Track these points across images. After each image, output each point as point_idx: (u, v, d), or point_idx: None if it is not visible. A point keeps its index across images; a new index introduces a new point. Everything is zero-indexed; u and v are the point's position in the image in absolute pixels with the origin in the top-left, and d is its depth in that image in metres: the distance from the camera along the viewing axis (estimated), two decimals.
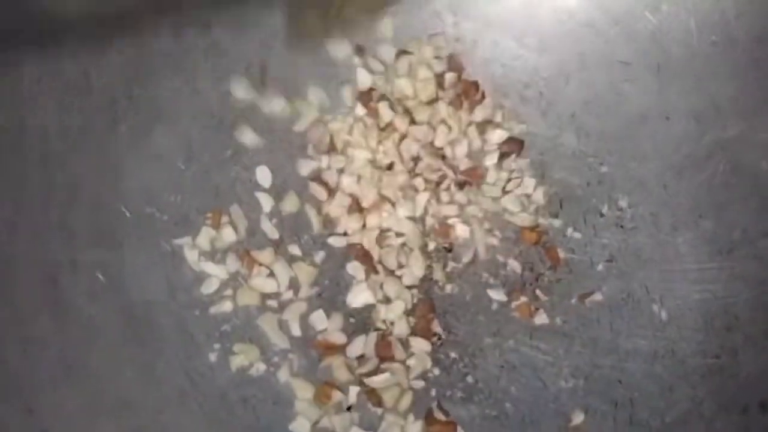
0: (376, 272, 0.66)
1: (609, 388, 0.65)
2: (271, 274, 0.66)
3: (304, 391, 0.65)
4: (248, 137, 0.67)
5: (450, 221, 0.67)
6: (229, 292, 0.66)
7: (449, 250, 0.67)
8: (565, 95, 0.68)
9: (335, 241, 0.67)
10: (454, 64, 0.68)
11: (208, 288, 0.66)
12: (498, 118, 0.67)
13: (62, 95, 0.66)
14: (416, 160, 0.67)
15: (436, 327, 0.66)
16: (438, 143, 0.67)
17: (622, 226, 0.67)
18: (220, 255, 0.67)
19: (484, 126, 0.68)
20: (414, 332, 0.66)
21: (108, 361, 0.65)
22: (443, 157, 0.67)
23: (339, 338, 0.66)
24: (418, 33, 0.68)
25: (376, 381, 0.64)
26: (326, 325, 0.66)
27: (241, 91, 0.67)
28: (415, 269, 0.66)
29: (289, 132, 0.68)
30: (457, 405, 0.66)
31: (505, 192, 0.67)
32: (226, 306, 0.66)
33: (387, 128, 0.67)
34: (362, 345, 0.65)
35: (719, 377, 0.65)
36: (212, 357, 0.66)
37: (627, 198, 0.67)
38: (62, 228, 0.66)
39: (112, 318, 0.65)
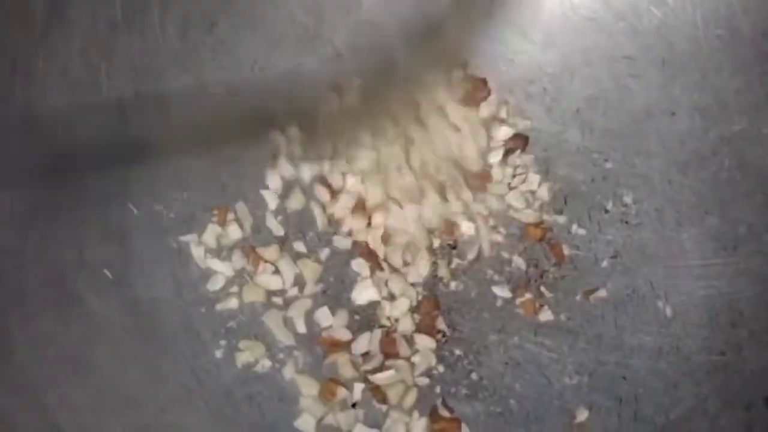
0: (381, 269, 0.66)
1: (613, 384, 0.65)
2: (277, 271, 0.67)
3: (309, 388, 0.65)
4: None
5: (455, 219, 0.67)
6: (234, 289, 0.67)
7: (454, 247, 0.67)
8: (570, 91, 0.68)
9: (339, 242, 0.67)
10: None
11: (214, 285, 0.67)
12: (503, 114, 0.67)
13: (70, 94, 0.67)
14: (424, 163, 0.67)
15: (441, 324, 0.66)
16: (448, 148, 0.67)
17: (626, 222, 0.67)
18: (226, 252, 0.67)
19: (489, 123, 0.68)
20: (419, 329, 0.66)
21: (114, 358, 0.65)
22: (454, 162, 0.67)
23: (344, 335, 0.66)
24: (423, 29, 0.68)
25: (380, 378, 0.64)
26: (331, 322, 0.66)
27: None
28: (420, 267, 0.66)
29: None
30: (462, 402, 0.66)
31: (510, 188, 0.67)
32: (232, 303, 0.66)
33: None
34: (367, 342, 0.66)
35: (724, 374, 0.65)
36: (218, 354, 0.66)
37: (632, 194, 0.67)
38: (70, 225, 0.66)
39: (118, 314, 0.65)
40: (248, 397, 0.66)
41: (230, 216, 0.67)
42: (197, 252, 0.67)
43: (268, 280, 0.67)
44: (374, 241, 0.67)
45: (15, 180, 0.66)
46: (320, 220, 0.67)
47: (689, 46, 0.66)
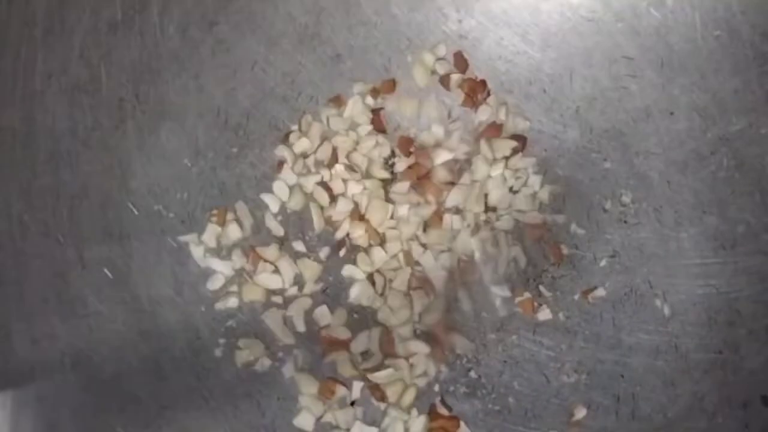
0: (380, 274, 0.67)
1: (611, 383, 0.65)
2: (276, 271, 0.67)
3: (308, 386, 0.66)
4: None
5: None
6: (234, 288, 0.67)
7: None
8: (569, 91, 0.68)
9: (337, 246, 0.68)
10: (458, 61, 0.68)
11: (214, 284, 0.67)
12: (502, 116, 0.68)
13: (71, 94, 0.67)
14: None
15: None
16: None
17: (625, 222, 0.67)
18: (226, 251, 0.67)
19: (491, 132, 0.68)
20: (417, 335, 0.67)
21: (114, 356, 0.65)
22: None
23: (343, 334, 0.66)
24: (422, 30, 0.68)
25: (379, 376, 0.64)
26: (330, 321, 0.66)
27: None
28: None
29: None
30: (461, 400, 0.66)
31: (512, 191, 0.67)
32: (232, 302, 0.67)
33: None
34: (366, 341, 0.66)
35: (722, 372, 0.65)
36: (218, 352, 0.66)
37: (631, 193, 0.67)
38: (71, 224, 0.66)
39: (118, 313, 0.66)
40: (248, 395, 0.66)
41: (230, 216, 0.68)
42: (197, 251, 0.67)
43: (267, 279, 0.67)
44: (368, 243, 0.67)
45: (15, 179, 0.66)
46: (317, 222, 0.67)
47: (688, 46, 0.66)
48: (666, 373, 0.65)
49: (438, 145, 0.68)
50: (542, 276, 0.67)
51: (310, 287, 0.67)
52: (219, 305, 0.67)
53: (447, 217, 0.67)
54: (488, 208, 0.67)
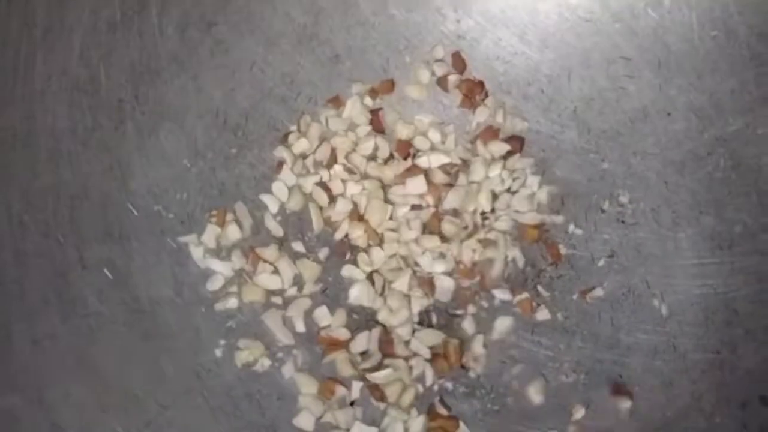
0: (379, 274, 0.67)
1: (610, 382, 0.66)
2: (276, 271, 0.67)
3: (308, 387, 0.66)
4: None
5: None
6: (234, 288, 0.67)
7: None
8: (567, 92, 0.68)
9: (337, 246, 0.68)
10: (456, 62, 0.68)
11: (214, 285, 0.67)
12: (499, 117, 0.68)
13: (71, 95, 0.67)
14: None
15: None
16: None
17: (623, 222, 0.67)
18: (225, 252, 0.68)
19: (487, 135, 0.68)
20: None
21: (114, 357, 0.65)
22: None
23: (342, 334, 0.66)
24: (420, 30, 0.69)
25: (379, 376, 0.64)
26: (330, 321, 0.66)
27: None
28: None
29: None
30: (460, 400, 0.66)
31: (510, 192, 0.68)
32: (231, 302, 0.67)
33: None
34: (365, 341, 0.66)
35: (719, 372, 0.65)
36: (218, 353, 0.66)
37: (628, 194, 0.67)
38: (71, 225, 0.66)
39: (119, 314, 0.66)
40: (248, 396, 0.66)
41: (229, 216, 0.68)
42: (196, 252, 0.67)
43: (267, 279, 0.67)
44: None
45: (15, 180, 0.66)
46: (317, 223, 0.68)
47: (685, 47, 0.66)
48: (664, 373, 0.65)
49: (435, 147, 0.68)
50: (540, 276, 0.67)
51: (309, 288, 0.67)
52: (219, 306, 0.67)
53: (445, 219, 0.67)
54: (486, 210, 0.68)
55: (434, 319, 0.67)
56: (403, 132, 0.68)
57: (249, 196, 0.68)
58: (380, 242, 0.67)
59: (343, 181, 0.68)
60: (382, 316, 0.66)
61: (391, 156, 0.68)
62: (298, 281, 0.67)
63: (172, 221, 0.67)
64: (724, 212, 0.66)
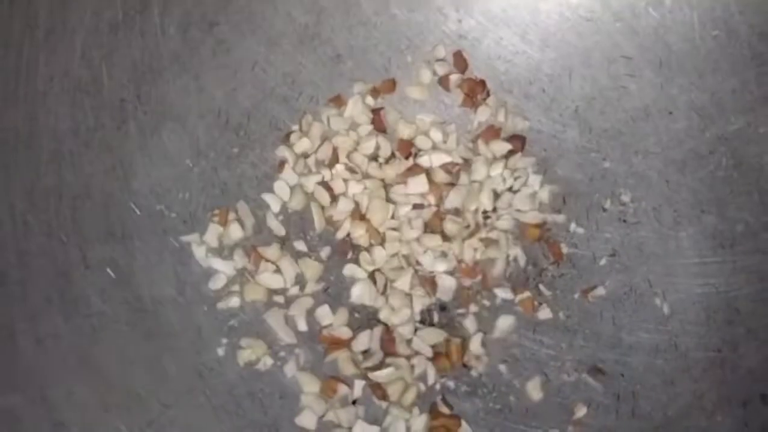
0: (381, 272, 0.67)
1: (611, 381, 0.66)
2: (278, 270, 0.67)
3: (310, 385, 0.66)
4: None
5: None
6: (236, 287, 0.67)
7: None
8: (568, 91, 0.68)
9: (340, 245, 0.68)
10: (458, 61, 0.68)
11: (216, 284, 0.67)
12: (501, 116, 0.68)
13: (73, 95, 0.67)
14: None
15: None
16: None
17: (624, 221, 0.67)
18: (228, 251, 0.68)
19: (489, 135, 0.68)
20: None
21: (117, 356, 0.65)
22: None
23: (344, 333, 0.66)
24: (421, 30, 0.69)
25: (381, 375, 0.64)
26: (332, 320, 0.66)
27: None
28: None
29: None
30: (462, 398, 0.66)
31: (511, 191, 0.68)
32: (234, 301, 0.67)
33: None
34: (367, 339, 0.66)
35: (721, 370, 0.65)
36: (220, 352, 0.66)
37: (630, 193, 0.67)
38: (73, 225, 0.67)
39: (121, 313, 0.66)
40: (250, 395, 0.66)
41: (231, 216, 0.68)
42: (199, 251, 0.67)
43: (269, 278, 0.67)
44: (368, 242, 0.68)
45: (18, 180, 0.66)
46: (318, 222, 0.68)
47: (686, 46, 0.67)
48: (665, 372, 0.65)
49: (436, 146, 0.68)
50: (542, 275, 0.67)
51: (311, 287, 0.67)
52: (221, 305, 0.67)
53: (447, 218, 0.67)
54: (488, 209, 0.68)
55: (436, 317, 0.67)
56: (404, 131, 0.68)
57: (251, 196, 0.68)
58: (382, 241, 0.67)
59: (345, 181, 0.68)
60: (383, 315, 0.66)
61: (393, 155, 0.69)
62: (300, 280, 0.67)
63: (175, 221, 0.68)
64: (725, 211, 0.66)
